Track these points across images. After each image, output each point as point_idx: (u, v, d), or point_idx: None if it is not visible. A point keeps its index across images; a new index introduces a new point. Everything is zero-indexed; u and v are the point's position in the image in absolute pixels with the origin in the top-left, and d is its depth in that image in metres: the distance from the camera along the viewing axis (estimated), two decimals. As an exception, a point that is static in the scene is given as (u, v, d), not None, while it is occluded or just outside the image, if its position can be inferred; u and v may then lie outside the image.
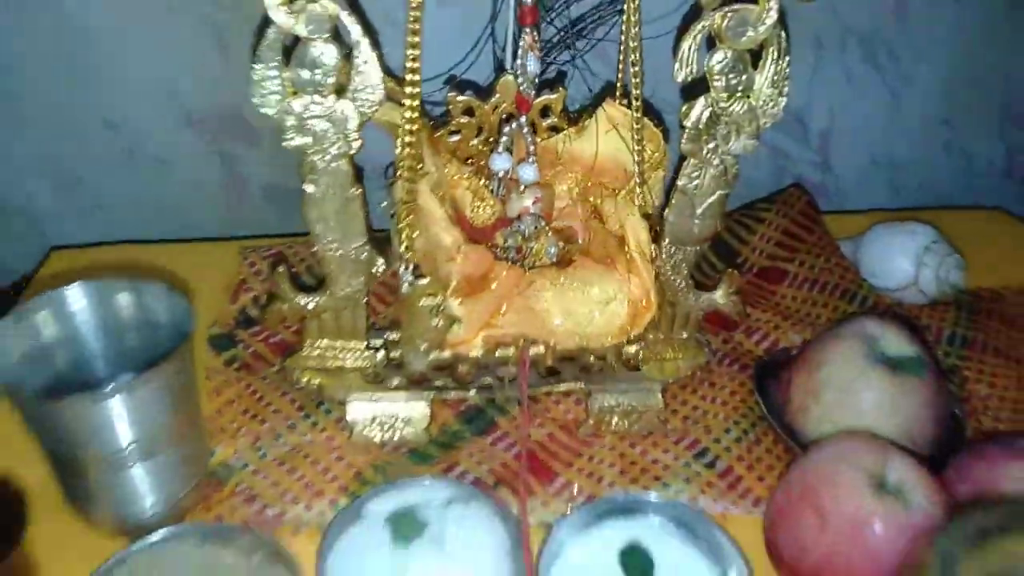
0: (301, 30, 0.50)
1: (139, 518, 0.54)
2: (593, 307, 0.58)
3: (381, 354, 0.66)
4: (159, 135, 0.90)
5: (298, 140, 0.54)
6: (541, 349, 0.61)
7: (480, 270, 0.57)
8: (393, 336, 0.67)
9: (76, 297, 0.55)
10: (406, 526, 0.53)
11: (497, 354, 0.61)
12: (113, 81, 0.86)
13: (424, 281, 0.59)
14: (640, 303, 0.58)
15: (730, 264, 0.84)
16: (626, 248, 0.58)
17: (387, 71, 0.54)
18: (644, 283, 0.58)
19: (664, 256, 0.62)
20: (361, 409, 0.65)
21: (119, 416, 0.49)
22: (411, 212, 0.57)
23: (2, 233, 0.94)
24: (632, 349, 0.67)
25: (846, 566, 0.49)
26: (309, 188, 0.56)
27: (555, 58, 0.83)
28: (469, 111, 0.65)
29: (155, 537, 0.50)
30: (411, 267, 0.59)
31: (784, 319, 0.78)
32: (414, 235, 0.57)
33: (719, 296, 0.67)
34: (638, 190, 0.60)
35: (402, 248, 0.58)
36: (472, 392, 0.65)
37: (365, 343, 0.65)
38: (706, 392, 0.70)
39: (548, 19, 0.80)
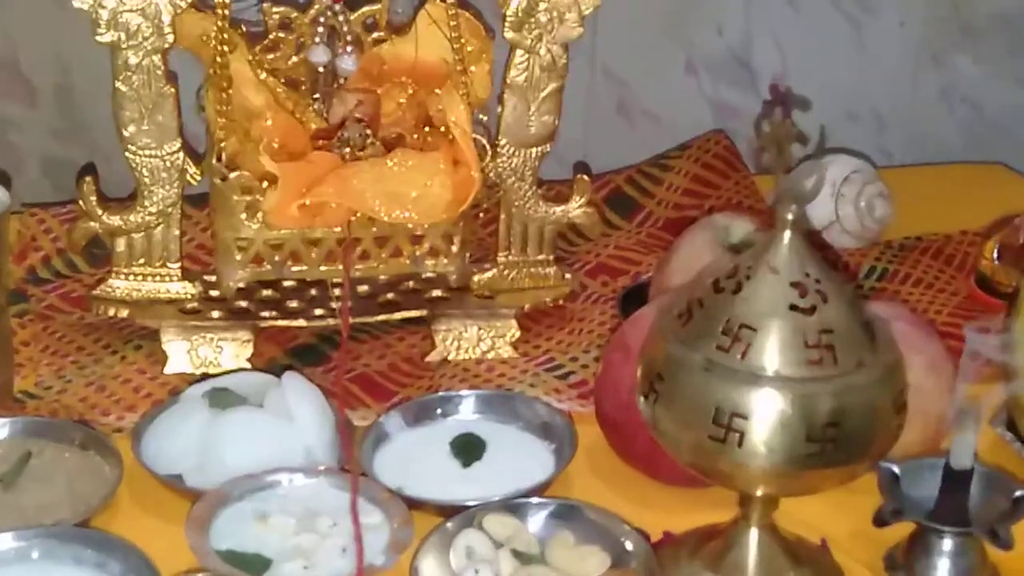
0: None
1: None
2: (413, 187, 0.65)
3: (199, 284, 0.69)
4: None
5: (110, 35, 0.63)
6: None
7: (297, 146, 0.65)
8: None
9: None
10: (223, 399, 0.59)
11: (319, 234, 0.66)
12: None
13: (236, 173, 0.63)
14: (464, 181, 0.64)
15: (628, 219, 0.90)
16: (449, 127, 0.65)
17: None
18: (465, 155, 0.64)
19: (504, 158, 0.70)
20: (176, 343, 0.67)
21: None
22: (221, 82, 0.64)
23: None
24: (485, 276, 0.73)
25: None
26: (121, 87, 0.64)
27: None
28: (286, 24, 0.71)
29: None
30: (222, 156, 0.63)
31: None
32: (225, 108, 0.64)
33: (572, 207, 0.72)
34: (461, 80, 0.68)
35: (213, 131, 0.65)
36: (300, 321, 0.69)
37: (179, 266, 0.68)
38: (570, 324, 0.75)
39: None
